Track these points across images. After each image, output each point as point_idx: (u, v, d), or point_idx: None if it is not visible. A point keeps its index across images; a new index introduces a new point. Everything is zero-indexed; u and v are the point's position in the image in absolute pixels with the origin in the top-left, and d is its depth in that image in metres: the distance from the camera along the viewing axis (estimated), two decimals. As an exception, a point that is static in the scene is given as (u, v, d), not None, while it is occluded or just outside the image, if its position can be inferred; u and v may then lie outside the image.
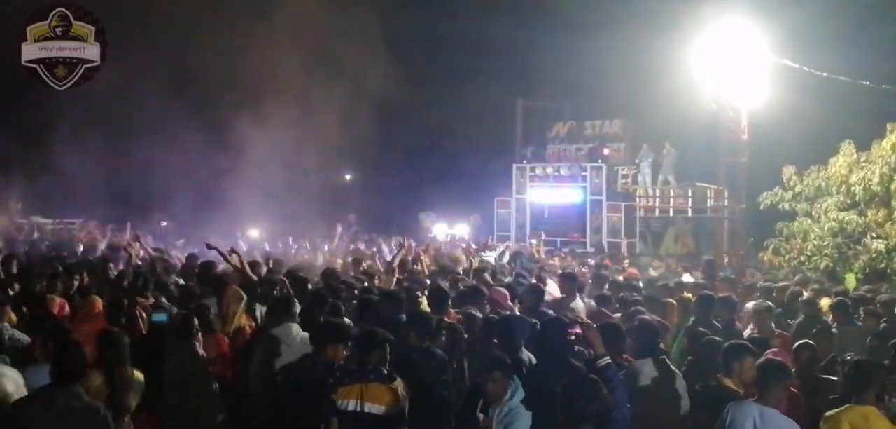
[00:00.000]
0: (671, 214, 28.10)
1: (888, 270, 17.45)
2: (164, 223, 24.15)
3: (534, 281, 11.95)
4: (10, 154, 23.91)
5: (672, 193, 28.35)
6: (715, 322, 9.48)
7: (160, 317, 8.38)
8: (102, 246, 15.62)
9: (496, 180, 29.88)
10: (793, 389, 6.94)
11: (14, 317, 8.69)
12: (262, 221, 22.54)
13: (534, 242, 21.10)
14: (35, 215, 23.04)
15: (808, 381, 7.69)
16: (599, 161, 28.48)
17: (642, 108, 28.94)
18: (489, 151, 32.81)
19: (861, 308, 11.23)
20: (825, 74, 21.41)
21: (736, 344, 7.18)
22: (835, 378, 8.06)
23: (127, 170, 25.28)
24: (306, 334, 7.73)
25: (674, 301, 11.09)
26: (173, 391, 7.30)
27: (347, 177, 32.88)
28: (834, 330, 10.12)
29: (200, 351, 7.72)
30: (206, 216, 22.64)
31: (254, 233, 21.53)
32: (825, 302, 11.74)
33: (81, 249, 15.83)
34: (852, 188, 18.68)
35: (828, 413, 6.13)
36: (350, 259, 15.70)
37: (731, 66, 21.90)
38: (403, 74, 25.93)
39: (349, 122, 23.38)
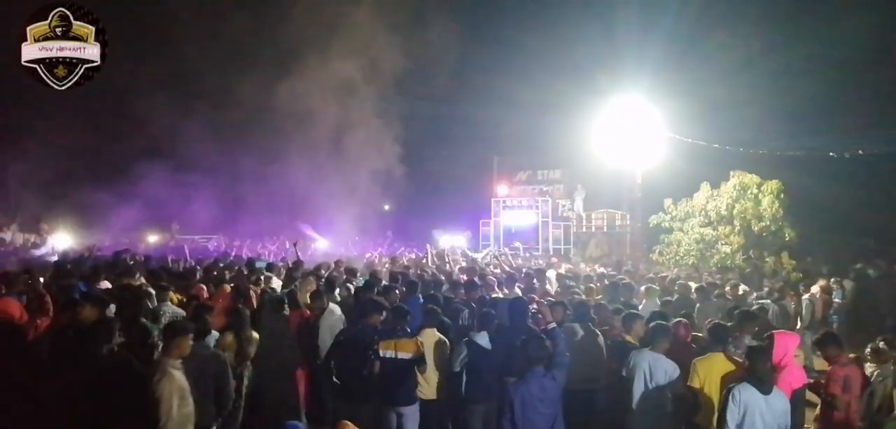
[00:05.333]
0: (593, 229, 28.09)
1: (732, 265, 17.43)
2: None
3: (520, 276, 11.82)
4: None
5: (593, 217, 28.34)
6: (620, 299, 9.45)
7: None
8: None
9: (481, 209, 29.82)
10: (692, 344, 6.92)
11: (175, 298, 8.71)
12: (327, 233, 22.29)
13: (506, 249, 20.91)
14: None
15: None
16: (547, 196, 28.51)
17: (574, 161, 28.95)
18: (476, 190, 32.77)
19: (715, 289, 11.23)
20: (690, 140, 21.47)
21: (632, 313, 7.24)
22: (701, 334, 8.03)
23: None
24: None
25: (593, 286, 11.12)
26: (270, 344, 7.29)
27: (386, 207, 32.80)
28: (697, 304, 10.10)
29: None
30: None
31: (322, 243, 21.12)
32: (692, 284, 11.72)
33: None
34: (708, 213, 18.68)
35: (695, 359, 6.13)
36: (390, 258, 15.72)
37: (630, 137, 22.00)
38: (420, 142, 26.19)
39: (386, 174, 23.54)
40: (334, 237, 21.94)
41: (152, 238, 19.06)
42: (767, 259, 17.44)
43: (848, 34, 21.38)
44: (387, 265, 14.24)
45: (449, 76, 25.23)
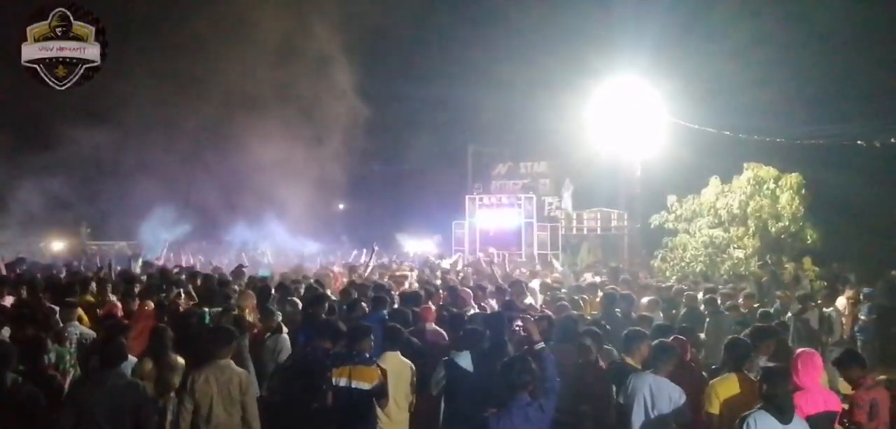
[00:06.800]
0: (585, 231, 28.30)
1: (747, 272, 17.67)
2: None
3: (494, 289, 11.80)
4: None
5: (585, 217, 28.54)
6: (617, 312, 9.50)
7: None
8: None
9: (453, 208, 29.85)
10: (692, 363, 7.00)
11: (86, 318, 8.55)
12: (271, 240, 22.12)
13: (480, 254, 20.92)
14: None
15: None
16: (531, 193, 28.65)
17: (563, 151, 29.12)
18: (448, 185, 32.81)
19: (728, 301, 11.37)
20: (697, 127, 21.75)
21: (634, 331, 7.18)
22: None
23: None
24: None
25: (586, 297, 11.18)
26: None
27: (340, 206, 32.63)
28: (707, 318, 10.23)
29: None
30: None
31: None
32: (699, 297, 11.84)
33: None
34: (719, 211, 18.93)
35: (713, 380, 6.22)
36: (347, 267, 15.59)
37: (628, 123, 22.17)
38: (380, 128, 26.05)
39: (338, 165, 23.37)
40: (281, 241, 21.77)
41: (57, 245, 18.50)
42: (787, 265, 17.72)
43: (880, 1, 21.78)
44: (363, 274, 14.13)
45: (416, 51, 25.22)
